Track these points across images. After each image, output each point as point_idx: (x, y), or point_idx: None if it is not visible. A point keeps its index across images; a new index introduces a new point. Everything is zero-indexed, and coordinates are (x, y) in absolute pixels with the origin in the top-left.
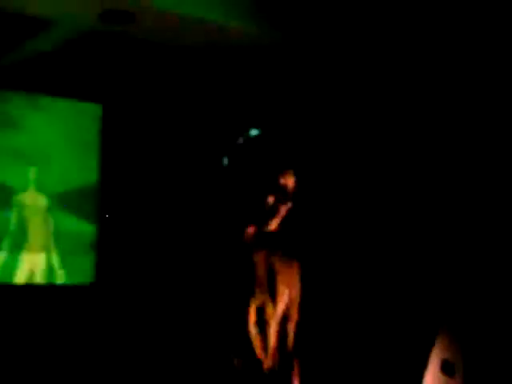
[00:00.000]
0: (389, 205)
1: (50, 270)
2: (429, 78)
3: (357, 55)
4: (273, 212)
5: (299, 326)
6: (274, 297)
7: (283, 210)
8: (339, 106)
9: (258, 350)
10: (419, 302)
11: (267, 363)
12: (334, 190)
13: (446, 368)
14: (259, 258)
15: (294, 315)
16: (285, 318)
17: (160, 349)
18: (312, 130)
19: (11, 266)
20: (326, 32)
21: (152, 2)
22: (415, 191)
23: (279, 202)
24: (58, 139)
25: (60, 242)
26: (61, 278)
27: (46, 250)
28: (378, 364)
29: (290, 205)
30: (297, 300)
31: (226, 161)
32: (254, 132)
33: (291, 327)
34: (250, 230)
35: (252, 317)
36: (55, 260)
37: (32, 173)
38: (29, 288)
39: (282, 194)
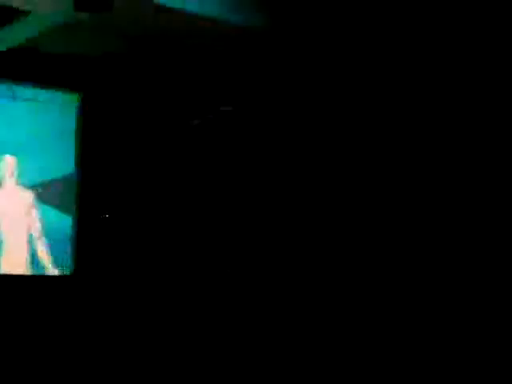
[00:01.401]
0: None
1: (31, 260)
2: (419, 68)
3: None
4: None
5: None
6: None
7: None
8: (320, 96)
9: None
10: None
11: None
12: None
13: None
14: None
15: None
16: None
17: (139, 338)
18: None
19: None
20: (313, 22)
21: None
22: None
23: None
24: (37, 129)
25: (40, 232)
26: (42, 269)
27: (27, 240)
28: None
29: None
30: None
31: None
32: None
33: None
34: None
35: None
36: (36, 250)
37: (11, 163)
38: (10, 278)
39: None
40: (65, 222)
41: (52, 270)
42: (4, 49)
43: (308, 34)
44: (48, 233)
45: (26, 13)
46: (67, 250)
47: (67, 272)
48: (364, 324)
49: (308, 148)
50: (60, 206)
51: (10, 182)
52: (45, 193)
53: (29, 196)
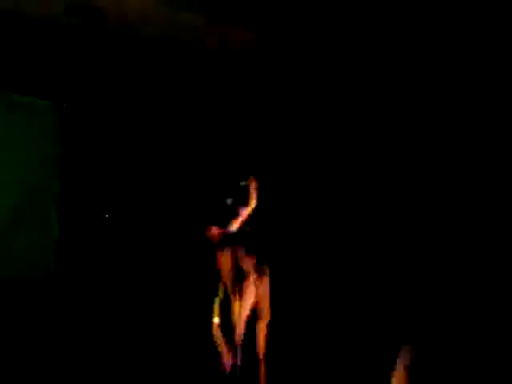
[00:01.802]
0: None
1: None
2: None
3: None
4: (235, 214)
5: (271, 326)
6: (241, 296)
7: (245, 212)
8: (303, 111)
9: (224, 350)
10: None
11: (233, 362)
12: (298, 193)
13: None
14: (224, 258)
15: (265, 314)
16: (253, 317)
17: (120, 341)
18: (276, 136)
19: None
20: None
21: None
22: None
23: (241, 204)
24: (17, 138)
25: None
26: (11, 272)
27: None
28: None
29: (251, 207)
30: (266, 299)
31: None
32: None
33: (261, 327)
34: (214, 230)
35: (217, 316)
36: (14, 253)
37: None
38: None
39: (244, 197)
40: (46, 225)
41: (31, 273)
42: None
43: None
44: (28, 234)
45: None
46: (47, 252)
47: (46, 274)
48: (364, 324)
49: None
50: (40, 214)
51: None
52: (26, 200)
53: (8, 204)
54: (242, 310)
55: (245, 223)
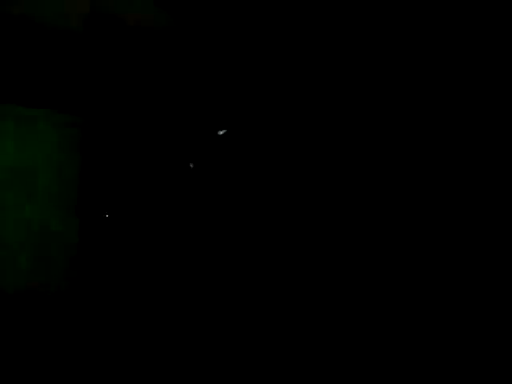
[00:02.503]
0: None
1: (26, 275)
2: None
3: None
4: None
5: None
6: None
7: None
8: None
9: None
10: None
11: None
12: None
13: None
14: None
15: None
16: None
17: (137, 357)
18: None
19: None
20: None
21: None
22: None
23: None
24: (35, 153)
25: (39, 246)
26: (38, 284)
27: (23, 254)
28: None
29: None
30: None
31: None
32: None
33: None
34: None
35: None
36: (33, 265)
37: (7, 185)
38: (4, 294)
39: None
40: (65, 236)
41: (50, 286)
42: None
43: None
44: (47, 247)
45: (26, 28)
46: (67, 264)
47: (66, 288)
48: (364, 324)
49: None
50: (61, 220)
51: (8, 204)
52: (44, 214)
53: (28, 217)
54: None
55: None
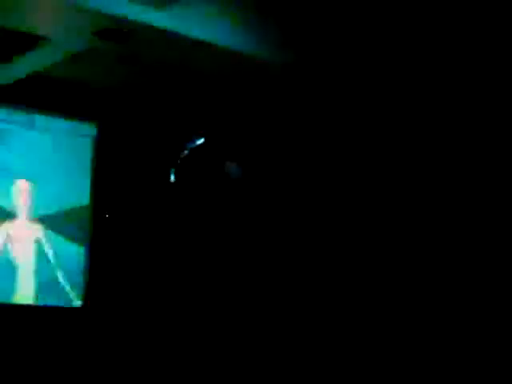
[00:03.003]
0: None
1: (39, 290)
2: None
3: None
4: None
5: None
6: None
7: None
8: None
9: None
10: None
11: None
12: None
13: None
14: None
15: None
16: None
17: (150, 371)
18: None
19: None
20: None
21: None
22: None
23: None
24: (53, 158)
25: (49, 263)
26: (50, 300)
27: (36, 271)
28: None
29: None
30: None
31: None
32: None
33: None
34: None
35: None
36: (44, 282)
37: (25, 192)
38: (17, 309)
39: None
40: (77, 254)
41: (62, 302)
42: (23, 76)
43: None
44: (59, 264)
45: (45, 40)
46: (78, 281)
47: (77, 304)
48: (364, 324)
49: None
50: (73, 237)
51: (23, 211)
52: (58, 223)
53: (41, 226)
54: None
55: None
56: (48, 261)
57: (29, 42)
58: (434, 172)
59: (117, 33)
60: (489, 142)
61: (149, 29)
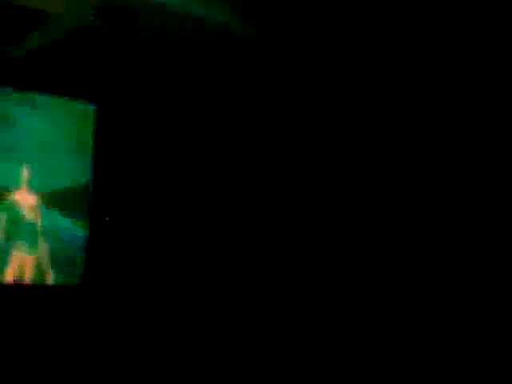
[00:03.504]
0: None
1: (38, 269)
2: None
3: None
4: None
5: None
6: None
7: None
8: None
9: None
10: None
11: None
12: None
13: None
14: None
15: None
16: None
17: (148, 350)
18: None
19: (0, 264)
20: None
21: None
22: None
23: None
24: (51, 138)
25: (50, 241)
26: (49, 278)
27: (36, 249)
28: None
29: None
30: None
31: None
32: None
33: None
34: None
35: None
36: (44, 260)
37: (24, 171)
38: (17, 287)
39: None
40: (76, 232)
41: (60, 280)
42: (23, 54)
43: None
44: (59, 241)
45: (45, 17)
46: (77, 259)
47: (76, 282)
48: (364, 324)
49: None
50: (72, 215)
51: (23, 190)
52: (57, 201)
53: (40, 204)
54: None
55: None
56: (48, 238)
57: (29, 19)
58: (430, 160)
59: (116, 9)
60: (489, 141)
61: (149, 4)
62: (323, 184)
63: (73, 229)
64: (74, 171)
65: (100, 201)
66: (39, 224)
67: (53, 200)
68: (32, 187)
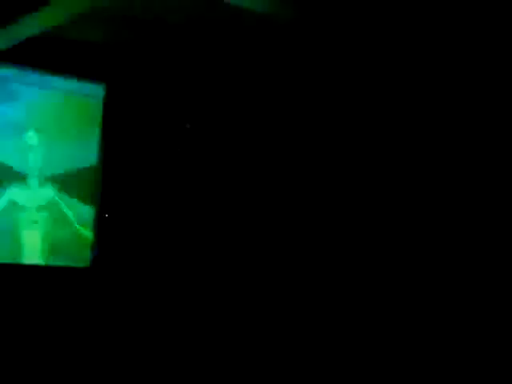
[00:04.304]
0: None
1: (48, 250)
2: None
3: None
4: None
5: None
6: None
7: None
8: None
9: None
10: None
11: None
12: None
13: None
14: None
15: None
16: None
17: (154, 336)
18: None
19: (10, 246)
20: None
21: None
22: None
23: None
24: (60, 118)
25: (58, 223)
26: (57, 260)
27: (45, 230)
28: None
29: None
30: None
31: None
32: None
33: None
34: None
35: None
36: (54, 242)
37: (33, 152)
38: (26, 268)
39: None
40: (86, 214)
41: (70, 261)
42: (23, 38)
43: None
44: (69, 224)
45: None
46: (87, 241)
47: (87, 264)
48: (364, 324)
49: (317, 147)
50: (82, 197)
51: (34, 172)
52: (68, 183)
53: (52, 186)
54: None
55: None
56: (57, 220)
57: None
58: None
59: None
60: (489, 141)
61: None
62: (324, 183)
63: (83, 212)
64: (84, 153)
65: (110, 183)
66: (49, 206)
67: (63, 183)
68: (41, 169)
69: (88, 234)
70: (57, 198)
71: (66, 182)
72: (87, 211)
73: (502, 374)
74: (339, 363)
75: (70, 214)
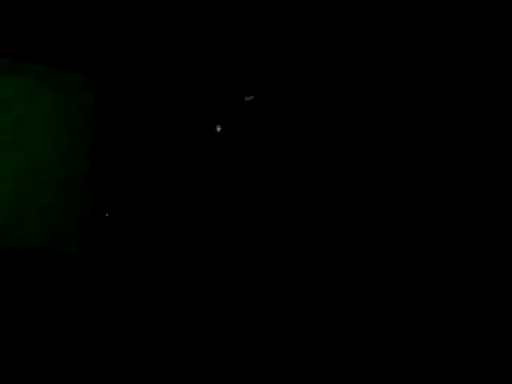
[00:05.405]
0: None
1: (37, 235)
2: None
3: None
4: None
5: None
6: None
7: None
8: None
9: None
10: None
11: None
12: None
13: None
14: None
15: None
16: None
17: (145, 325)
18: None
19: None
20: None
21: None
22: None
23: None
24: (52, 108)
25: (48, 209)
26: (47, 246)
27: (34, 216)
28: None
29: None
30: None
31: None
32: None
33: None
34: None
35: None
36: (45, 228)
37: (22, 141)
38: (14, 254)
39: None
40: (77, 200)
41: (59, 247)
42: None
43: None
44: (58, 210)
45: None
46: (76, 228)
47: (73, 251)
48: (364, 324)
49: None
50: (71, 184)
51: (25, 158)
52: (56, 170)
53: (39, 172)
54: None
55: None
56: (47, 207)
57: None
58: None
59: None
60: (489, 141)
61: None
62: (324, 183)
63: (74, 199)
64: (75, 139)
65: (102, 170)
66: (40, 193)
67: (53, 170)
68: (32, 157)
69: (79, 221)
70: (48, 185)
71: (55, 169)
72: (78, 197)
73: (502, 374)
74: (339, 363)
75: (60, 199)
